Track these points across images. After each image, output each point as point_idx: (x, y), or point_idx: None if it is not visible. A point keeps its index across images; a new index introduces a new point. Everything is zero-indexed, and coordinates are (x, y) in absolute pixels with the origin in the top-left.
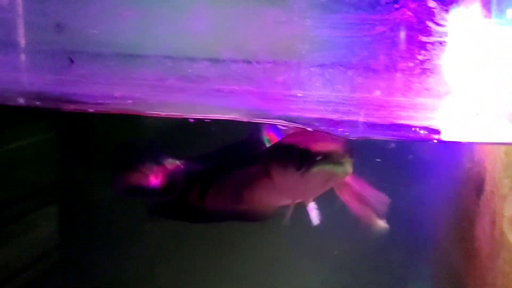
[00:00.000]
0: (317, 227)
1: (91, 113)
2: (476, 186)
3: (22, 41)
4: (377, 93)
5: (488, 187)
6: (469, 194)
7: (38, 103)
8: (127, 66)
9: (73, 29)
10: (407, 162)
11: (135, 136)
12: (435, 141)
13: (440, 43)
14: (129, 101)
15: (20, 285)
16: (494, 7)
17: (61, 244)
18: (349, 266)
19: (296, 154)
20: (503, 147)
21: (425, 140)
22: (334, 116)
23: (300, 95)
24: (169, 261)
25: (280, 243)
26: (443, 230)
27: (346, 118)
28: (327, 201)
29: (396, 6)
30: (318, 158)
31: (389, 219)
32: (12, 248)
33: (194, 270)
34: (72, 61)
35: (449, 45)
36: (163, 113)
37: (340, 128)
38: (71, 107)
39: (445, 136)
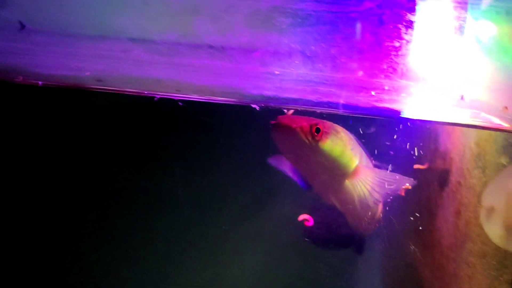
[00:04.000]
0: None
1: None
2: (439, 177)
3: None
4: (360, 73)
5: (454, 178)
6: (431, 185)
7: None
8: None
9: None
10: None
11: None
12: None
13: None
14: (87, 73)
15: None
16: None
17: None
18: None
19: None
20: (473, 139)
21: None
22: (313, 97)
23: (277, 72)
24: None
25: None
26: (400, 221)
27: (325, 99)
28: None
29: None
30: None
31: None
32: None
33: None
34: (23, 26)
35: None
36: (128, 89)
37: (318, 109)
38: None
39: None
